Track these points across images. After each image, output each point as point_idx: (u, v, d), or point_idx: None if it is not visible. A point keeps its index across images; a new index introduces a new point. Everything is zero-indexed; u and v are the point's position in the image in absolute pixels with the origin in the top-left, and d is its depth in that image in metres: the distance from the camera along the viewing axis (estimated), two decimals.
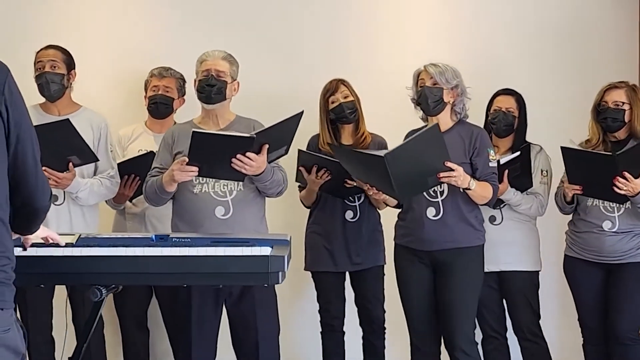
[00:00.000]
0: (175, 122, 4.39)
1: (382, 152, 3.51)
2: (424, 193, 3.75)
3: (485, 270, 3.99)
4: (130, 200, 4.32)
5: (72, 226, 3.93)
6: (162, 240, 2.84)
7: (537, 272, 4.25)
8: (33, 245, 2.61)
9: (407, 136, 3.92)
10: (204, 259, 2.69)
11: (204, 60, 3.82)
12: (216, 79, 3.76)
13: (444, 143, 3.58)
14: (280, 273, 2.68)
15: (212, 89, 3.75)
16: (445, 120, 3.83)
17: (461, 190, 3.73)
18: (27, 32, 4.64)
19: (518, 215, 4.17)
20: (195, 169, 3.56)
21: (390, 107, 4.51)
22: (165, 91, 4.36)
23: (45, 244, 2.66)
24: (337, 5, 4.96)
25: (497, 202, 4.06)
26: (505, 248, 4.13)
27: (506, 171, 4.02)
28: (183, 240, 2.85)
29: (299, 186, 4.28)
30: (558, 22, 4.95)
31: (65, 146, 3.75)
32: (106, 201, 4.30)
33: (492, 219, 4.13)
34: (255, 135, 3.51)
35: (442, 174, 3.60)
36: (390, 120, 4.43)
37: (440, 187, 3.76)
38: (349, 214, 4.19)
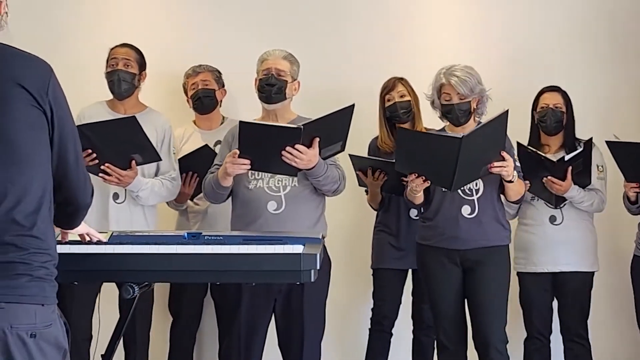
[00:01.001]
0: (222, 117, 4.47)
1: (458, 134, 3.51)
2: (459, 191, 3.72)
3: (543, 270, 4.02)
4: (191, 199, 4.36)
5: (132, 224, 3.96)
6: (194, 238, 2.83)
7: (592, 273, 4.18)
8: (66, 242, 2.63)
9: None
10: (236, 257, 2.66)
11: (265, 60, 3.83)
12: (276, 78, 3.77)
13: (505, 132, 3.58)
14: (312, 271, 2.64)
15: (272, 89, 3.75)
16: (468, 126, 3.80)
17: (505, 181, 3.67)
18: (65, 32, 4.67)
19: (577, 215, 4.12)
20: (247, 161, 3.57)
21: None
22: (204, 85, 4.40)
23: (78, 241, 2.67)
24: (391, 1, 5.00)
25: (558, 201, 4.04)
26: (565, 248, 4.11)
27: (570, 168, 3.93)
28: (215, 238, 2.84)
29: (365, 190, 4.32)
30: (596, 16, 4.83)
31: (130, 144, 3.78)
32: (167, 203, 4.34)
33: (553, 219, 4.10)
34: (302, 127, 3.49)
35: (495, 164, 3.56)
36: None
37: (476, 185, 3.73)
38: (413, 212, 4.21)
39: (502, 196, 3.84)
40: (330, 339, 4.06)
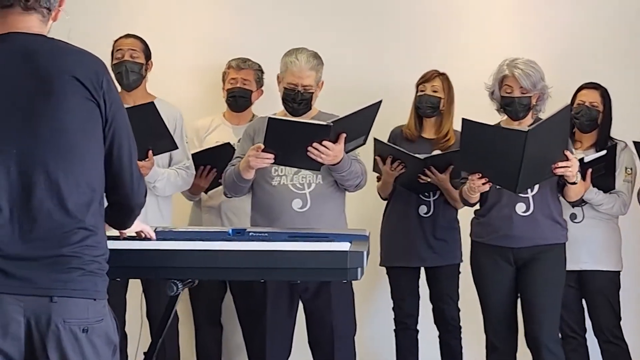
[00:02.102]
0: (253, 115, 4.47)
1: (524, 128, 3.49)
2: None
3: (566, 269, 3.98)
4: (206, 192, 4.36)
5: (146, 217, 3.92)
6: (239, 234, 2.85)
7: (617, 273, 4.18)
8: (109, 238, 2.60)
9: None
10: (282, 254, 2.65)
11: (290, 71, 3.77)
12: (302, 94, 3.77)
13: (568, 131, 3.61)
14: (359, 269, 2.63)
15: (299, 105, 3.77)
16: (526, 121, 3.81)
17: (568, 183, 3.67)
18: (106, 24, 4.66)
19: (599, 213, 4.11)
20: (271, 156, 3.57)
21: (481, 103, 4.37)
22: (243, 84, 4.40)
23: (116, 236, 2.67)
24: None
25: (578, 200, 4.02)
26: (586, 247, 4.13)
27: (589, 170, 3.93)
28: (260, 234, 2.86)
29: (377, 176, 4.30)
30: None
31: (146, 132, 3.73)
32: (182, 192, 4.37)
33: (573, 217, 4.10)
34: (332, 124, 3.51)
35: (560, 164, 3.54)
36: (484, 114, 4.27)
37: None
38: (422, 209, 4.20)
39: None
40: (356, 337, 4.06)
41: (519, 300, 3.91)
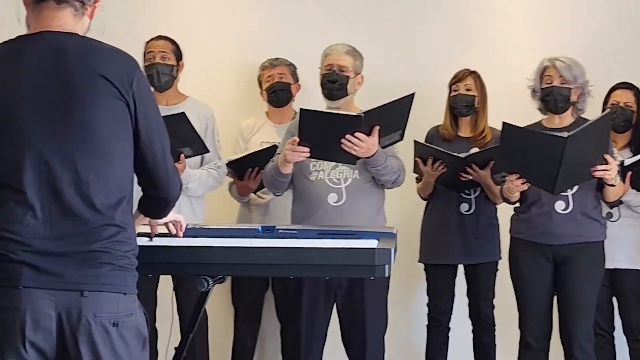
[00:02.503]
0: (295, 112, 4.48)
1: (563, 134, 3.51)
2: None
3: None
4: (255, 192, 4.42)
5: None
6: (269, 231, 2.86)
7: None
8: (139, 234, 2.65)
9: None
10: (310, 251, 2.68)
11: (328, 55, 3.92)
12: (338, 74, 3.84)
13: (609, 135, 3.63)
14: (386, 266, 2.65)
15: (334, 85, 3.83)
16: (566, 117, 3.87)
17: (607, 185, 3.71)
18: (141, 24, 4.70)
19: (636, 213, 4.13)
20: (306, 149, 3.60)
21: (518, 102, 4.42)
22: (280, 78, 4.47)
23: (147, 233, 2.72)
24: None
25: (616, 201, 4.03)
26: (621, 245, 4.13)
27: (629, 173, 3.93)
28: (289, 231, 2.88)
29: (416, 178, 4.33)
30: None
31: (178, 138, 3.79)
32: (230, 193, 4.46)
33: (609, 216, 4.12)
34: (363, 114, 3.54)
35: (599, 167, 3.57)
36: (515, 114, 4.30)
37: None
38: (463, 207, 4.24)
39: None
40: (388, 333, 4.06)
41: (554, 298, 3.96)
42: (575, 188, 3.77)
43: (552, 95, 3.82)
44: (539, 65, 3.91)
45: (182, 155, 3.92)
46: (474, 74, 4.29)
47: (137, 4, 4.82)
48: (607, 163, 3.61)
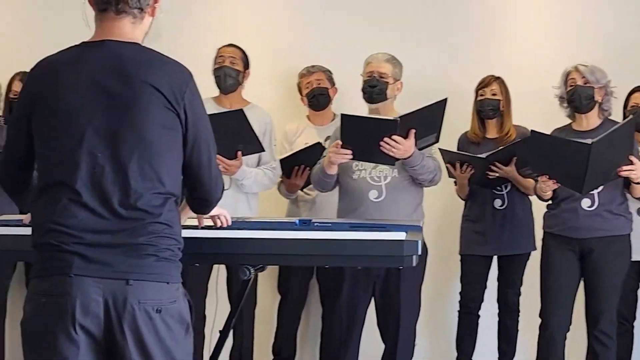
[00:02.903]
0: (334, 114, 4.67)
1: (587, 141, 3.61)
2: None
3: (631, 259, 4.05)
4: (302, 189, 4.58)
5: (236, 210, 4.05)
6: (305, 224, 2.93)
7: None
8: (187, 227, 2.70)
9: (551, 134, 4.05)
10: (343, 242, 2.75)
11: (369, 63, 4.04)
12: (378, 80, 3.97)
13: (633, 138, 3.71)
14: (414, 256, 2.72)
15: (374, 90, 3.96)
16: (593, 118, 3.96)
17: (633, 183, 3.80)
18: (192, 32, 4.89)
19: None
20: (349, 151, 3.76)
21: (540, 105, 4.56)
22: (318, 83, 4.63)
23: (194, 226, 2.80)
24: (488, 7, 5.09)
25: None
26: None
27: None
28: (324, 224, 2.94)
29: (454, 181, 4.47)
30: None
31: (236, 135, 3.94)
32: (279, 191, 4.60)
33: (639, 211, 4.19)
34: (399, 119, 3.66)
35: (624, 168, 3.68)
36: (537, 117, 4.45)
37: None
38: (497, 202, 4.37)
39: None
40: (422, 319, 4.19)
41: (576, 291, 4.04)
42: (601, 187, 3.85)
43: (576, 94, 3.91)
44: (563, 72, 4.00)
45: (239, 153, 4.04)
46: (498, 79, 4.41)
47: (189, 15, 4.94)
48: (632, 164, 3.70)
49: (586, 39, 4.85)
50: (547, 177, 3.80)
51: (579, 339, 4.13)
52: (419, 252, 2.75)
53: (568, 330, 4.03)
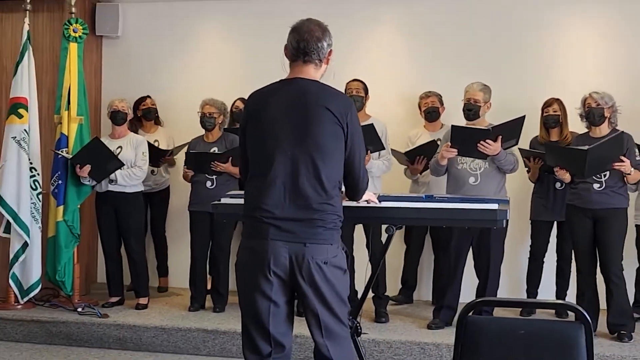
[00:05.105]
0: (442, 124, 5.30)
1: (585, 147, 4.11)
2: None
3: None
4: (420, 173, 5.21)
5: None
6: (429, 198, 3.21)
7: None
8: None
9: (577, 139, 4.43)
10: (455, 210, 3.06)
11: (467, 91, 4.56)
12: (472, 104, 4.50)
13: (622, 144, 4.15)
14: (504, 220, 2.99)
15: (470, 112, 4.50)
16: (604, 129, 4.44)
17: (625, 174, 4.27)
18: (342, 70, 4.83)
19: None
20: (455, 150, 4.35)
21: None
22: (432, 104, 5.26)
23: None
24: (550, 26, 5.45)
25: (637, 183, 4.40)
26: None
27: None
28: (443, 198, 3.23)
29: (527, 170, 5.02)
30: None
31: (367, 140, 4.06)
32: (405, 175, 5.22)
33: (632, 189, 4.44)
34: (491, 129, 4.16)
35: (615, 164, 4.12)
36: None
37: (604, 174, 4.30)
38: (557, 185, 4.95)
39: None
40: (504, 263, 4.81)
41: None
42: (608, 175, 4.32)
43: (591, 114, 4.35)
44: (582, 98, 4.44)
45: (369, 151, 4.57)
46: (558, 100, 4.94)
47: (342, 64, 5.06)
48: (622, 161, 4.14)
49: (618, 72, 5.37)
50: (559, 168, 4.34)
51: (600, 282, 4.51)
52: (508, 218, 2.96)
53: (595, 272, 4.55)
